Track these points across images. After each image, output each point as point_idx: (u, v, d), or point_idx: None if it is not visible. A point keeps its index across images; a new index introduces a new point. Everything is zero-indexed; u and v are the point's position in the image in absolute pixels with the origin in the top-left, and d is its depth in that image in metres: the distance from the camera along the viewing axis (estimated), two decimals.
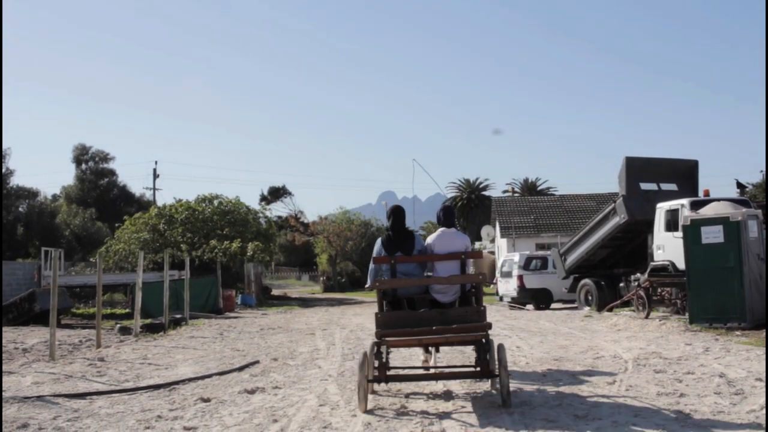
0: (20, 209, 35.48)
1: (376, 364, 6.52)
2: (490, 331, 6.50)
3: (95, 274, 16.24)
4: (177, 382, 8.11)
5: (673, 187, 17.62)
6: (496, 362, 6.30)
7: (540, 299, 22.52)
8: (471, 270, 7.28)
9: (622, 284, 17.99)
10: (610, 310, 17.34)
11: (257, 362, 9.71)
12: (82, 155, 48.19)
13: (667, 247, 15.20)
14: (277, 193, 61.08)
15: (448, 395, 6.90)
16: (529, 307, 22.50)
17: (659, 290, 15.65)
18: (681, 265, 14.01)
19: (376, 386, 7.04)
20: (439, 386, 7.32)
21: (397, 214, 7.04)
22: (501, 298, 24.64)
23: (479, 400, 6.55)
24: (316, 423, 5.83)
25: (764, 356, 8.73)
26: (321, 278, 50.88)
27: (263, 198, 60.47)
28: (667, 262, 15.22)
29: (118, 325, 15.81)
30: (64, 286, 21.81)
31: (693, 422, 5.53)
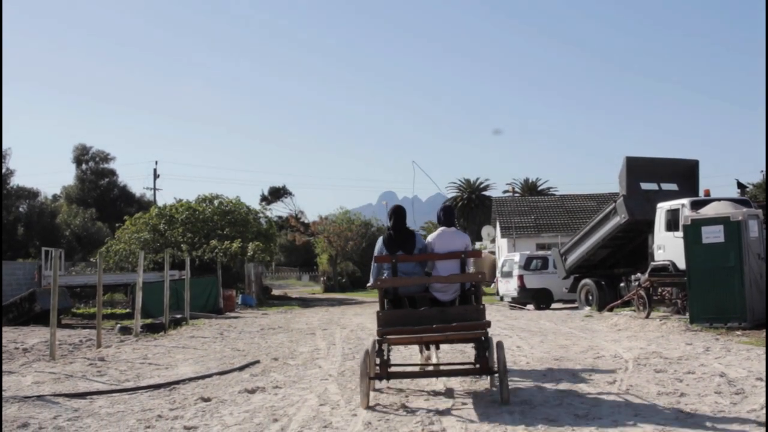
0: (20, 209, 35.48)
1: (378, 361, 6.60)
2: (489, 330, 6.60)
3: (95, 274, 16.24)
4: (177, 382, 8.10)
5: (673, 186, 17.62)
6: (495, 359, 6.38)
7: (540, 299, 22.52)
8: (471, 269, 7.39)
9: (622, 284, 18.00)
10: (611, 309, 17.34)
11: (257, 362, 9.71)
12: (82, 155, 48.19)
13: (668, 247, 15.20)
14: (277, 193, 61.04)
15: (448, 394, 6.92)
16: (530, 307, 22.50)
17: (660, 290, 15.66)
18: (681, 264, 14.00)
19: (377, 384, 7.10)
20: (439, 385, 7.33)
21: (398, 214, 7.17)
22: (501, 298, 24.65)
23: (479, 400, 6.55)
24: (316, 422, 5.83)
25: (765, 356, 8.73)
26: (321, 278, 50.88)
27: (263, 198, 60.43)
28: (667, 262, 15.22)
29: (119, 325, 15.80)
30: (65, 286, 21.79)
31: (693, 421, 5.52)
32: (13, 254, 31.18)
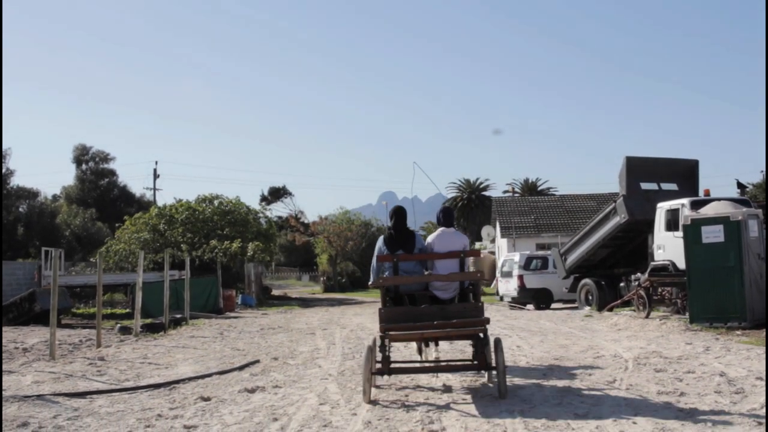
0: (20, 209, 35.47)
1: (380, 357, 6.76)
2: (488, 327, 6.76)
3: (95, 274, 16.24)
4: (177, 381, 8.10)
5: (673, 186, 17.62)
6: (493, 355, 6.56)
7: (540, 299, 22.52)
8: (471, 269, 7.54)
9: (622, 284, 18.00)
10: (611, 309, 17.34)
11: (257, 361, 9.71)
12: (82, 155, 48.19)
13: (668, 247, 15.20)
14: (277, 194, 60.99)
15: (448, 392, 6.95)
16: (530, 306, 22.50)
17: (660, 290, 15.66)
18: (681, 264, 14.01)
19: (378, 381, 7.20)
20: (439, 385, 7.36)
21: (398, 214, 7.36)
22: (501, 298, 24.66)
23: (479, 399, 6.55)
24: (316, 421, 5.83)
25: (764, 355, 8.74)
26: (321, 278, 50.87)
27: (263, 198, 60.39)
28: (667, 262, 15.22)
29: (119, 325, 15.80)
30: (65, 286, 21.79)
31: (693, 421, 5.52)
32: (13, 254, 31.17)
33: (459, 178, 73.74)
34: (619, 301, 17.19)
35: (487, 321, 6.75)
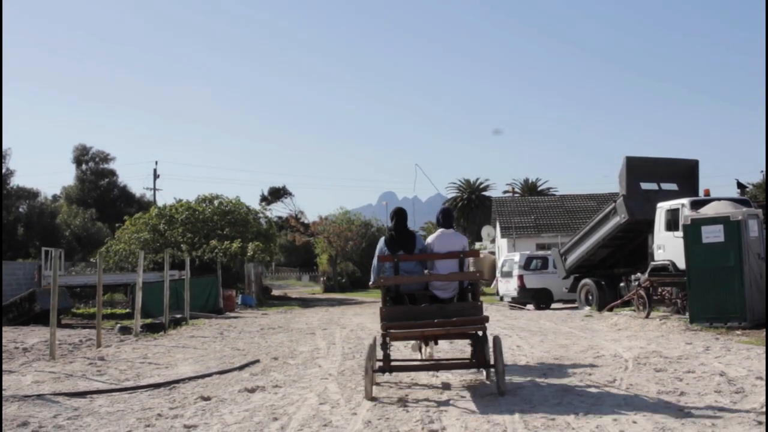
0: (20, 209, 35.47)
1: (381, 355, 6.86)
2: (486, 325, 6.86)
3: (95, 274, 16.24)
4: (177, 381, 8.11)
5: (673, 186, 17.62)
6: (491, 352, 6.68)
7: (540, 299, 22.52)
8: (471, 269, 7.64)
9: (622, 284, 18.00)
10: (611, 309, 17.34)
11: (257, 361, 9.71)
12: (82, 155, 48.19)
13: (668, 247, 15.20)
14: (277, 194, 60.97)
15: (447, 391, 6.96)
16: (530, 306, 22.50)
17: (660, 290, 15.66)
18: (681, 264, 14.01)
19: (379, 379, 7.25)
20: (438, 383, 7.38)
21: (399, 215, 7.48)
22: (501, 298, 24.66)
23: (478, 398, 6.55)
24: (316, 421, 5.84)
25: (764, 355, 8.73)
26: (321, 278, 50.85)
27: (263, 198, 60.37)
28: (667, 262, 15.22)
29: (119, 325, 15.80)
30: (65, 286, 21.79)
31: (693, 420, 5.52)
32: (13, 254, 31.17)
33: (459, 178, 73.81)
34: (619, 301, 17.19)
35: (486, 319, 6.85)
